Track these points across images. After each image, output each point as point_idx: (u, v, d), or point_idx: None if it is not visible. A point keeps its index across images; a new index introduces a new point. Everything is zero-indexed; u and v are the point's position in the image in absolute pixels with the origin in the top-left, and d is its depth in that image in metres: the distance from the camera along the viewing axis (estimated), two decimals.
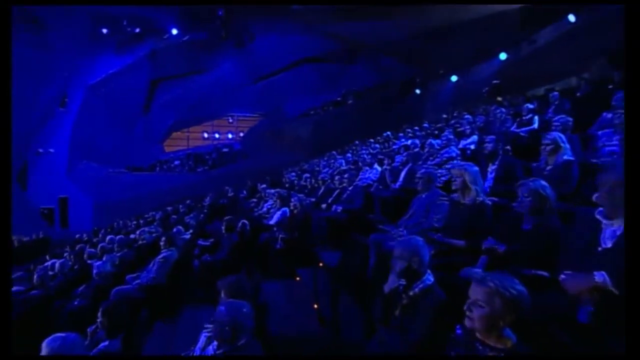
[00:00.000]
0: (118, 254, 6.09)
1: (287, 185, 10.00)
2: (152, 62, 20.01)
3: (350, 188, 5.27)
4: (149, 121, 21.70)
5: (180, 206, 11.50)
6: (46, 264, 7.02)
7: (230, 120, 24.37)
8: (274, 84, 22.44)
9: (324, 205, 5.63)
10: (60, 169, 17.58)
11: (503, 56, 13.53)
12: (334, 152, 14.25)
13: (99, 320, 2.72)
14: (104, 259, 5.38)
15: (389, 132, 11.10)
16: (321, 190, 6.70)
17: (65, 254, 7.84)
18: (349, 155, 10.84)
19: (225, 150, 20.45)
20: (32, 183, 17.66)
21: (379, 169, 6.11)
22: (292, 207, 5.22)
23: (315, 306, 3.17)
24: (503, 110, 7.10)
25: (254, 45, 20.58)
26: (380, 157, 6.98)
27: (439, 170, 4.05)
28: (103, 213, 16.77)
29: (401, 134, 10.43)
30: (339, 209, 4.89)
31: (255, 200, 9.96)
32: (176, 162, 19.90)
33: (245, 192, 12.29)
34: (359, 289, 2.84)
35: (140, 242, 7.39)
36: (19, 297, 5.77)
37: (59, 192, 17.47)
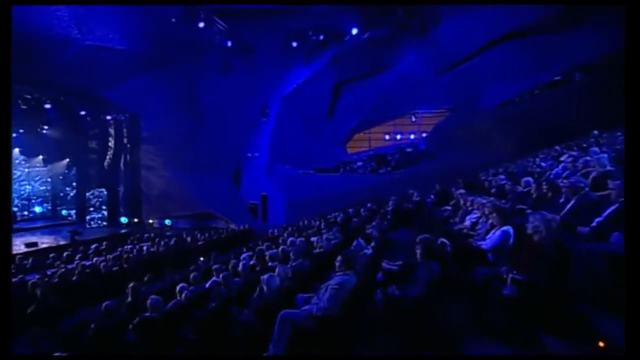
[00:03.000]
0: (293, 264, 5.34)
1: (493, 191, 7.43)
2: (336, 67, 20.52)
3: None
4: (333, 124, 22.51)
5: (362, 209, 10.54)
6: (241, 257, 7.09)
7: (413, 119, 22.56)
8: (464, 72, 19.34)
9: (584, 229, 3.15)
10: (262, 170, 20.14)
11: None
12: (557, 148, 10.57)
13: None
14: (276, 270, 4.65)
15: None
16: (571, 204, 3.96)
17: (246, 254, 7.92)
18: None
19: (408, 150, 18.78)
20: (243, 182, 21.01)
21: None
22: (531, 230, 2.99)
23: None
24: None
25: (440, 30, 18.15)
26: None
27: None
28: (293, 210, 18.10)
29: None
30: None
31: (449, 208, 7.84)
32: (358, 164, 19.69)
33: (433, 196, 10.45)
34: None
35: (317, 249, 6.62)
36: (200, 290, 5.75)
37: (261, 190, 20.01)
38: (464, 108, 19.01)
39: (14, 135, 17.20)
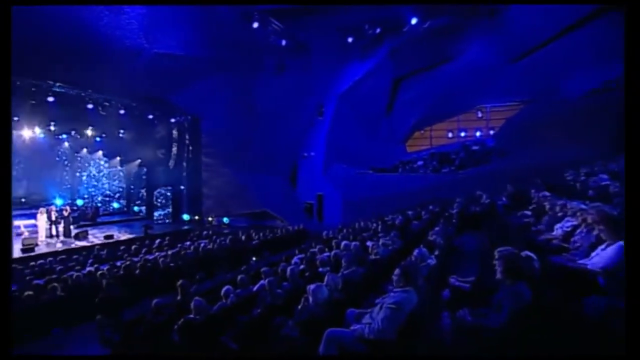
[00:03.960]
0: (345, 272, 4.81)
1: (590, 194, 6.17)
2: (394, 61, 19.50)
3: None
4: (391, 122, 21.51)
5: (423, 212, 9.64)
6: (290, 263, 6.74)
7: (480, 115, 20.64)
8: (541, 59, 17.09)
9: None
10: (319, 169, 19.90)
11: None
12: None
13: None
14: (325, 279, 4.14)
15: None
16: None
17: (297, 257, 7.54)
18: None
19: (475, 148, 17.08)
20: (299, 181, 20.98)
21: None
22: None
23: None
24: None
25: (512, 12, 16.28)
26: None
27: None
28: (349, 211, 17.58)
29: None
30: None
31: (528, 213, 6.69)
32: (419, 163, 18.45)
33: (505, 199, 9.25)
34: None
35: (373, 255, 5.99)
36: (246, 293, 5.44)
37: (317, 190, 19.79)
38: (541, 99, 16.80)
39: (98, 139, 19.14)
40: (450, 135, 22.55)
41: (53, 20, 11.10)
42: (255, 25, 14.31)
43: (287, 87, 18.03)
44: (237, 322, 4.86)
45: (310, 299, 3.74)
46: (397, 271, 3.04)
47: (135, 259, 9.82)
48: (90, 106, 15.19)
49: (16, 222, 15.93)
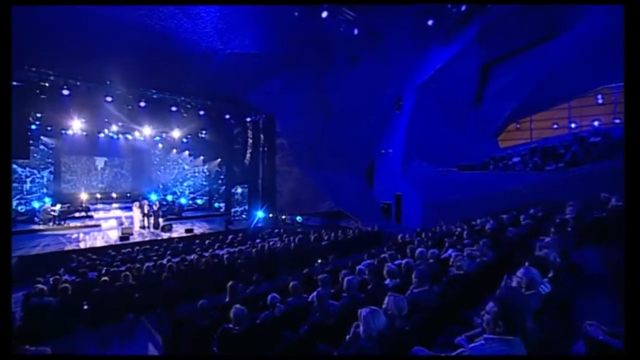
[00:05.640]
0: (415, 290, 3.67)
1: None
2: (483, 44, 16.98)
3: None
4: (480, 113, 18.92)
5: (522, 216, 7.78)
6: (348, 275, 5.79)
7: (600, 99, 16.79)
8: None
9: None
10: (397, 167, 18.45)
11: None
12: None
13: None
14: (385, 301, 3.09)
15: None
16: None
17: (365, 262, 6.52)
18: None
19: (594, 140, 13.70)
20: (376, 180, 19.77)
21: None
22: None
23: None
24: None
25: None
26: None
27: None
28: (430, 213, 15.92)
29: None
30: None
31: None
32: (515, 159, 15.66)
33: None
34: None
35: (455, 270, 4.68)
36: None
37: (395, 189, 18.40)
38: None
39: (184, 140, 20.71)
40: (555, 126, 19.07)
41: (144, 33, 12.04)
42: (324, 14, 13.58)
43: (362, 80, 17.00)
44: (281, 337, 4.10)
45: (362, 327, 2.74)
46: (491, 307, 1.87)
47: (205, 254, 9.89)
48: (174, 109, 16.25)
49: (120, 213, 18.24)
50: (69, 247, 12.17)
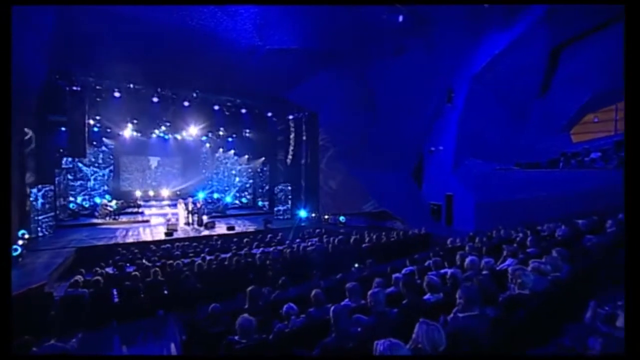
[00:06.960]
0: (460, 315, 2.80)
1: None
2: (551, 24, 14.90)
3: None
4: (547, 104, 16.72)
5: (609, 223, 6.35)
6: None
7: None
8: None
9: None
10: (448, 166, 17.00)
11: None
12: None
13: None
14: (415, 330, 2.29)
15: None
16: None
17: (407, 269, 5.62)
18: None
19: None
20: (425, 179, 18.40)
21: None
22: None
23: None
24: None
25: None
26: None
27: None
28: (485, 215, 14.40)
29: None
30: None
31: None
32: (593, 155, 13.45)
33: None
34: None
35: (516, 288, 3.66)
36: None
37: (446, 189, 16.98)
38: None
39: (229, 140, 21.05)
40: None
41: (185, 34, 12.24)
42: None
43: (408, 72, 15.79)
44: (290, 356, 3.45)
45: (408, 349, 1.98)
46: None
47: (241, 253, 9.60)
48: (216, 107, 16.40)
49: (168, 210, 19.09)
50: (117, 241, 12.67)
